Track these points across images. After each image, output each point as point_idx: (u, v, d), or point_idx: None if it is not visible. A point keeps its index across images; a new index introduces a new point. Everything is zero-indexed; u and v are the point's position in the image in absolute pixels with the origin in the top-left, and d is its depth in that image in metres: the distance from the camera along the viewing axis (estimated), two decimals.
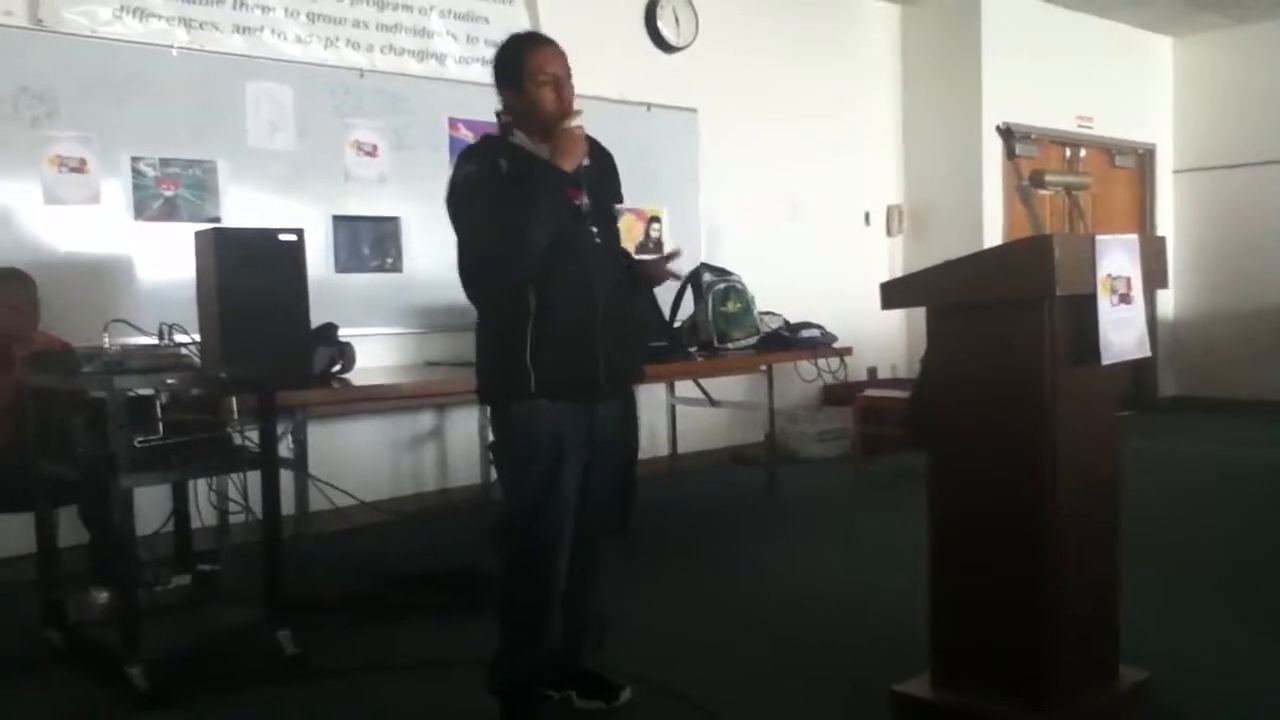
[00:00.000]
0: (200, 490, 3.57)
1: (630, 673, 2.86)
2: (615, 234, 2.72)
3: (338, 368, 4.15)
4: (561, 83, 2.51)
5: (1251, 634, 3.24)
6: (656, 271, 2.81)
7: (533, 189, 2.41)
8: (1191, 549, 4.26)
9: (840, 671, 2.99)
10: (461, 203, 2.49)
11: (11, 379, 3.41)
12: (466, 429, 5.25)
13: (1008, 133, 3.28)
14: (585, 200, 2.54)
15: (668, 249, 2.85)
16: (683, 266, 2.90)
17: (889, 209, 7.50)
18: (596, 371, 2.53)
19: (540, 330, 2.46)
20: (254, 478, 3.18)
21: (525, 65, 2.50)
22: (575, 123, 2.49)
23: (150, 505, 3.39)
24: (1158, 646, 2.91)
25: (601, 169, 2.66)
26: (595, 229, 2.56)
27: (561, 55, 2.55)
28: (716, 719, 2.69)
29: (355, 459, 4.85)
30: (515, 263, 2.41)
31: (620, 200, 2.77)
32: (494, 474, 5.11)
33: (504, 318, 2.50)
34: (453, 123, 5.17)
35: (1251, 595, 3.63)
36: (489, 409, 2.70)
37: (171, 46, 4.47)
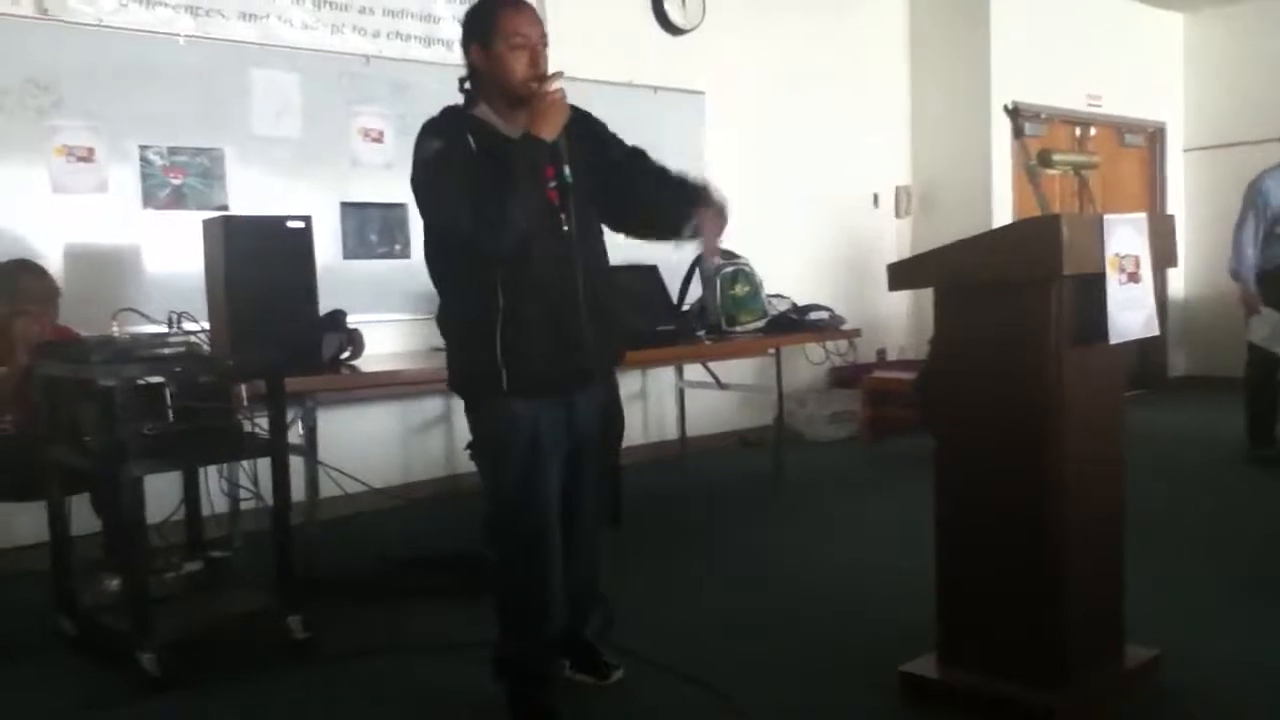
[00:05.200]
0: (211, 477, 3.58)
1: (647, 657, 2.88)
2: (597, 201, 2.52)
3: (346, 354, 4.16)
4: (537, 49, 2.36)
5: (1258, 611, 3.24)
6: (710, 244, 2.61)
7: (514, 165, 2.25)
8: (1198, 527, 4.26)
9: (849, 652, 3.00)
10: (428, 181, 2.34)
11: (20, 366, 3.42)
12: None
13: (1015, 112, 3.27)
14: (567, 172, 2.37)
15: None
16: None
17: (897, 190, 7.47)
18: (571, 364, 2.42)
19: (511, 326, 2.35)
20: (264, 464, 3.20)
21: (499, 23, 2.35)
22: (555, 85, 2.32)
23: (162, 492, 3.41)
24: (1164, 625, 2.92)
25: (587, 132, 2.50)
26: (564, 215, 2.38)
27: (539, 21, 2.40)
28: (728, 699, 2.69)
29: (365, 445, 4.87)
30: (495, 244, 2.27)
31: (619, 147, 2.59)
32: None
33: (472, 310, 2.39)
34: None
35: (1259, 573, 3.63)
36: (463, 403, 2.57)
37: (178, 34, 4.47)
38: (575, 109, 2.43)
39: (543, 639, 2.54)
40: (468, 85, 2.47)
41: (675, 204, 2.54)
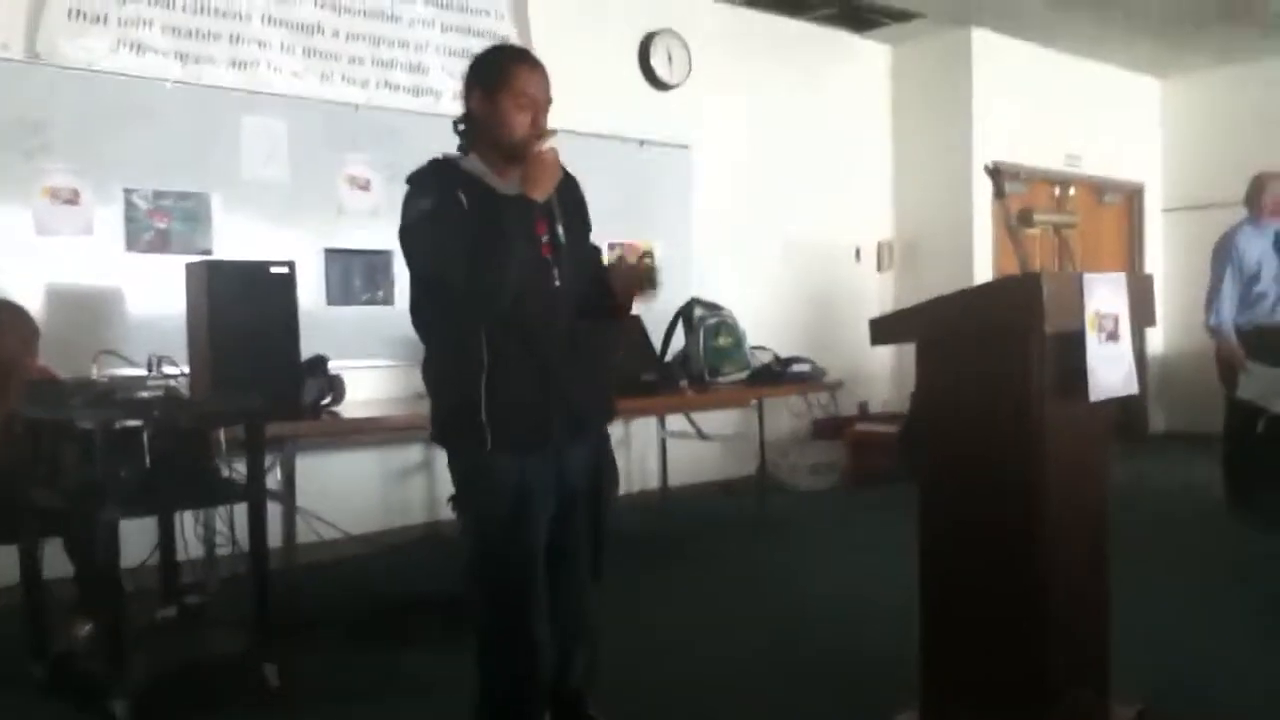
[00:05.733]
0: (187, 521, 3.54)
1: (625, 703, 2.84)
2: (587, 263, 2.52)
3: (328, 400, 4.15)
4: (540, 109, 2.34)
5: (1243, 657, 3.24)
6: (623, 289, 2.50)
7: (504, 225, 2.23)
8: (1183, 580, 4.26)
9: (832, 701, 2.98)
10: (417, 239, 2.31)
11: (4, 410, 3.39)
12: None
13: (996, 172, 3.31)
14: (561, 231, 2.37)
15: (645, 279, 2.57)
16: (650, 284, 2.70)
17: (879, 245, 7.55)
18: (559, 418, 2.37)
19: (496, 382, 2.30)
20: (241, 510, 3.17)
21: (509, 77, 2.32)
22: (548, 144, 2.31)
23: (136, 537, 3.37)
24: (1150, 673, 2.91)
25: (570, 198, 2.49)
26: (557, 270, 2.37)
27: (547, 82, 2.37)
28: None
29: (344, 491, 4.83)
30: (489, 306, 2.25)
31: (589, 229, 2.57)
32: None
33: (457, 362, 2.34)
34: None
35: (1245, 620, 3.64)
36: (446, 455, 2.50)
37: (166, 80, 4.50)
38: (566, 172, 2.42)
39: (523, 693, 2.49)
40: (461, 127, 2.44)
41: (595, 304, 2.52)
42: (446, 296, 2.30)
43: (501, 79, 2.33)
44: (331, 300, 4.92)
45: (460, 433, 2.38)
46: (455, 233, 2.23)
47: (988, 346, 2.44)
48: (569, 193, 2.49)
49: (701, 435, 5.83)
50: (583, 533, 2.56)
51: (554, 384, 2.37)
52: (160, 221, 4.48)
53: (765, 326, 5.79)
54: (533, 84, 2.34)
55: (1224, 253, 5.53)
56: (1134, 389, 2.56)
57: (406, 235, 2.35)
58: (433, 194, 2.30)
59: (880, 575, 4.12)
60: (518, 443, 2.35)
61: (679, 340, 5.33)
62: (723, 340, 5.29)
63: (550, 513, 2.44)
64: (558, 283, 2.38)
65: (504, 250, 2.22)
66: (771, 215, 6.66)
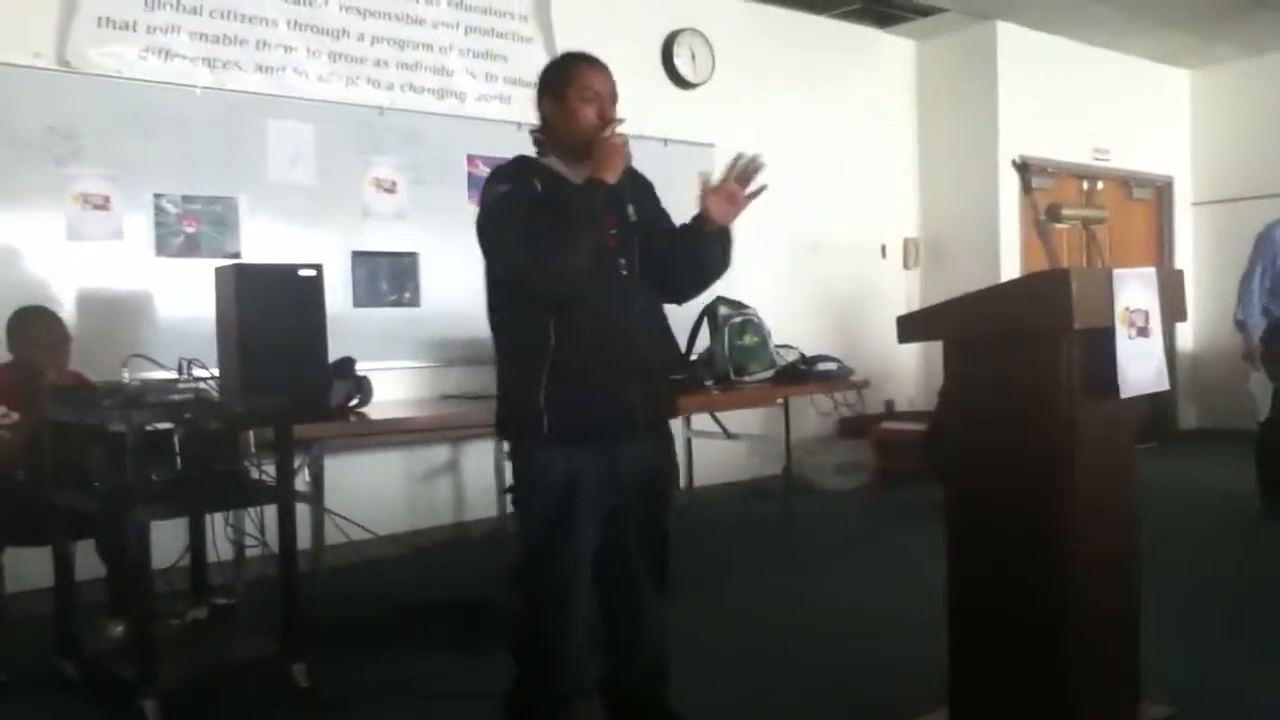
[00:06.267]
0: (216, 523, 3.57)
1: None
2: (664, 247, 2.52)
3: (355, 401, 4.17)
4: (605, 102, 2.42)
5: (1276, 667, 3.19)
6: (721, 202, 2.47)
7: (573, 209, 2.28)
8: (1214, 581, 4.20)
9: (860, 705, 2.96)
10: (493, 224, 2.36)
11: (36, 415, 3.43)
12: (482, 462, 5.26)
13: (1023, 167, 3.29)
14: (630, 211, 2.42)
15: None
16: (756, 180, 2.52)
17: (906, 242, 7.51)
18: (617, 412, 2.37)
19: (557, 369, 2.32)
20: (270, 511, 3.19)
21: (572, 76, 2.43)
22: (614, 131, 2.39)
23: (167, 538, 3.40)
24: (1180, 681, 2.88)
25: (642, 193, 2.55)
26: (623, 260, 2.41)
27: (611, 79, 2.47)
28: None
29: (372, 493, 4.86)
30: (553, 284, 2.28)
31: (666, 214, 2.60)
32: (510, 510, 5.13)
33: (522, 352, 2.38)
34: (471, 159, 5.22)
35: (1274, 629, 3.58)
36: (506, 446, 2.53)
37: (195, 86, 4.54)
38: (638, 173, 2.50)
39: (556, 691, 2.49)
40: (538, 136, 2.51)
41: (685, 239, 2.51)
42: (516, 284, 2.35)
43: (566, 79, 2.44)
44: (359, 302, 4.94)
45: (519, 419, 2.41)
46: (524, 216, 2.29)
47: (1016, 344, 2.42)
48: (640, 188, 2.54)
49: (727, 434, 5.82)
50: (643, 532, 2.52)
51: (615, 379, 2.38)
52: (189, 226, 4.52)
53: (791, 325, 5.77)
54: (596, 79, 2.44)
55: (1260, 245, 5.47)
56: (1165, 385, 2.53)
57: (481, 224, 2.39)
58: (509, 180, 2.37)
59: (907, 579, 4.10)
60: (573, 435, 2.36)
61: (704, 339, 5.31)
62: (748, 339, 5.27)
63: (604, 510, 2.44)
64: (625, 273, 2.41)
65: (568, 231, 2.26)
66: (796, 213, 6.63)
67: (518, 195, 2.33)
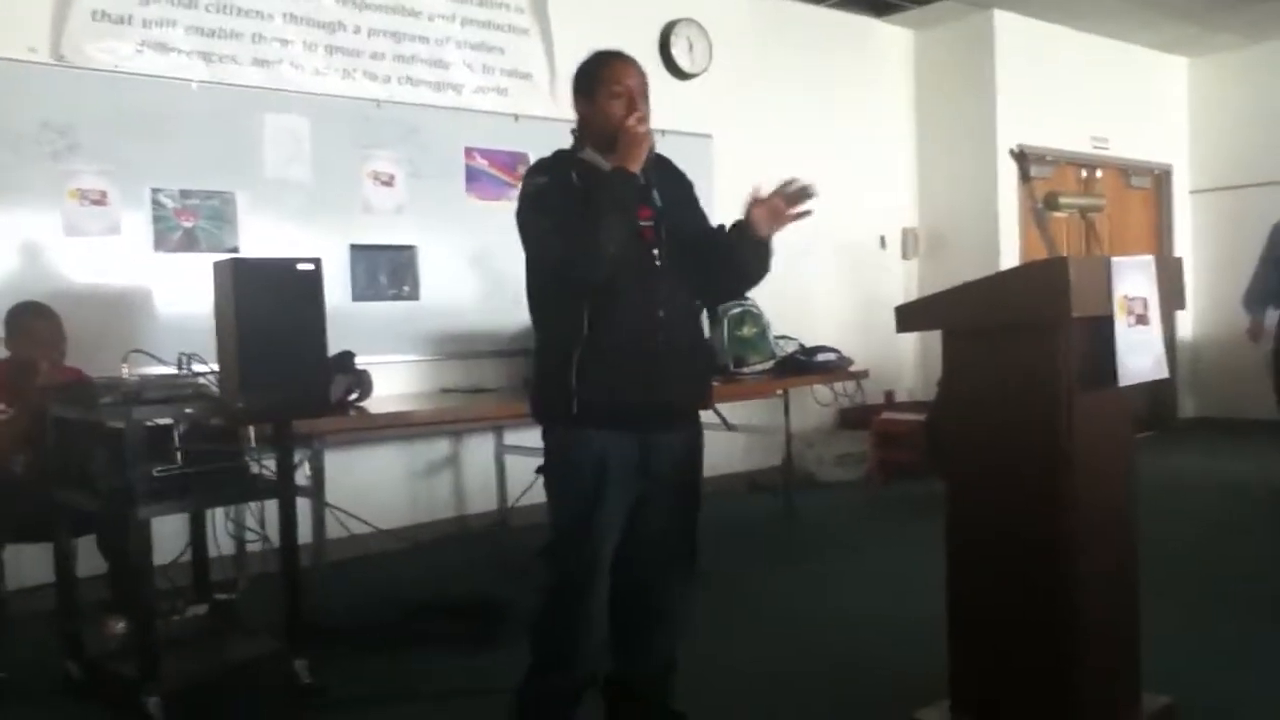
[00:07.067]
0: (217, 519, 3.57)
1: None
2: (701, 245, 2.53)
3: (355, 396, 4.16)
4: (634, 96, 2.45)
5: (1273, 656, 3.20)
6: (767, 214, 2.49)
7: (600, 195, 2.33)
8: (1213, 572, 4.21)
9: (859, 698, 2.97)
10: (530, 213, 2.43)
11: (31, 410, 3.43)
12: (482, 456, 5.26)
13: (1021, 156, 3.29)
14: (656, 197, 2.45)
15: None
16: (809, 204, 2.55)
17: (904, 232, 7.50)
18: (647, 399, 2.40)
19: (588, 353, 2.36)
20: (271, 506, 3.19)
21: (601, 74, 2.47)
22: (635, 119, 2.40)
23: (168, 534, 3.40)
24: (1180, 671, 2.88)
25: (677, 186, 2.58)
26: (657, 251, 2.44)
27: (641, 73, 2.51)
28: None
29: (372, 487, 4.86)
30: (585, 270, 2.32)
31: (701, 215, 2.62)
32: (513, 500, 5.14)
33: (557, 338, 2.42)
34: (469, 152, 5.21)
35: (1276, 620, 3.58)
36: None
37: (191, 80, 4.53)
38: (672, 165, 2.57)
39: (568, 680, 2.49)
40: (575, 133, 2.55)
41: (726, 252, 2.53)
42: (551, 271, 2.40)
43: (595, 77, 2.48)
44: (358, 296, 4.94)
45: (550, 402, 2.44)
46: (560, 206, 2.35)
47: (1015, 333, 2.42)
48: (673, 179, 2.58)
49: (727, 426, 5.82)
50: (671, 522, 2.53)
51: (647, 366, 2.40)
52: (187, 221, 4.52)
53: (790, 316, 5.76)
54: (624, 75, 2.47)
55: (1271, 236, 5.57)
56: (1164, 373, 2.53)
57: (520, 214, 2.46)
58: (548, 172, 2.45)
59: (907, 571, 4.11)
60: (604, 417, 2.38)
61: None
62: (747, 330, 5.27)
63: (631, 497, 2.45)
64: (658, 263, 2.44)
65: (596, 218, 2.30)
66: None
67: (553, 186, 2.40)
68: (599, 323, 2.37)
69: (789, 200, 2.51)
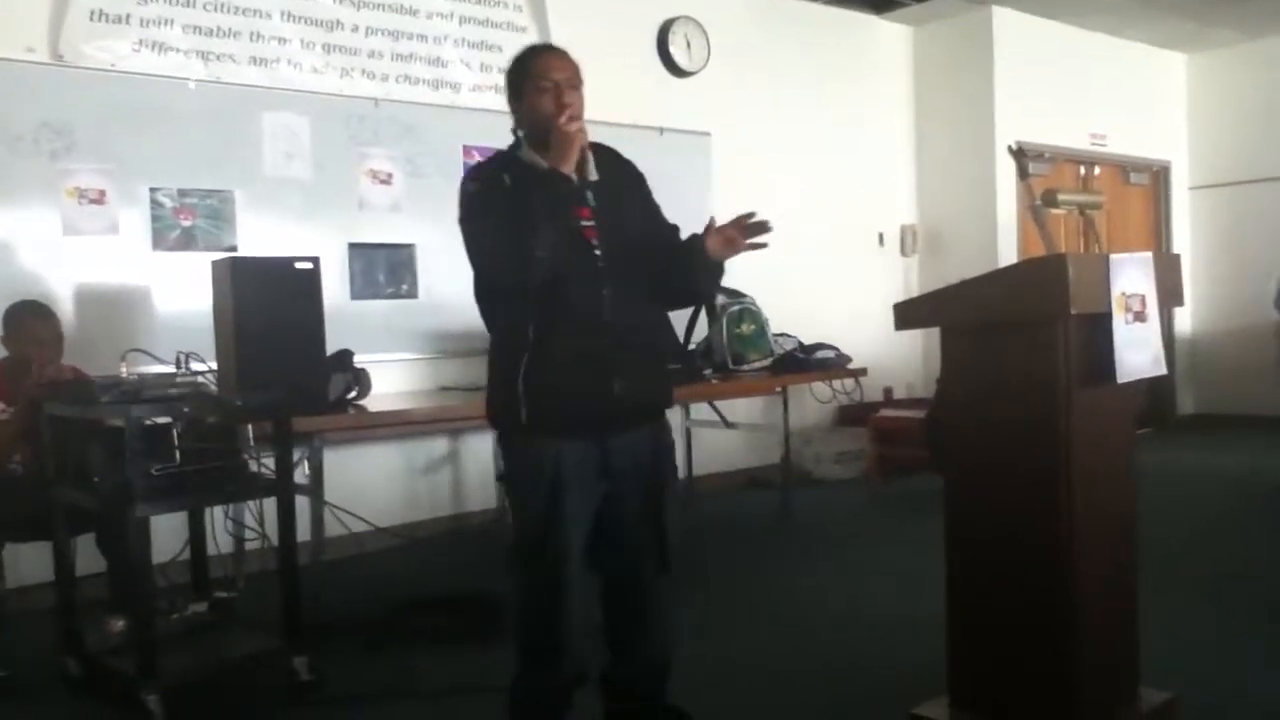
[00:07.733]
0: (216, 517, 3.57)
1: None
2: (654, 240, 2.50)
3: (353, 394, 4.16)
4: (563, 89, 2.38)
5: (1276, 654, 3.20)
6: (721, 242, 2.45)
7: (531, 197, 2.28)
8: (1213, 568, 4.22)
9: (858, 695, 2.97)
10: (464, 221, 2.40)
11: (28, 409, 3.43)
12: (481, 454, 5.26)
13: (1020, 153, 3.29)
14: (590, 197, 2.38)
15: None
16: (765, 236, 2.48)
17: (903, 229, 7.50)
18: (597, 403, 2.36)
19: (535, 359, 2.33)
20: (270, 504, 3.19)
21: (529, 71, 2.42)
22: (567, 118, 2.33)
23: (167, 532, 3.40)
24: (1179, 667, 2.88)
25: (622, 182, 2.51)
26: (599, 252, 2.38)
27: (569, 64, 2.43)
28: None
29: (371, 485, 4.87)
30: (515, 276, 2.29)
31: (652, 208, 2.57)
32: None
33: (504, 343, 2.40)
34: (467, 150, 5.20)
35: (1273, 615, 3.59)
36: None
37: (189, 79, 4.53)
38: (616, 155, 2.52)
39: (555, 679, 2.49)
40: (514, 132, 2.51)
41: (679, 267, 2.50)
42: (487, 279, 2.39)
43: (523, 73, 2.44)
44: (356, 294, 4.94)
45: (502, 411, 2.41)
46: (492, 212, 2.33)
47: (1013, 330, 2.42)
48: (620, 174, 2.52)
49: (726, 423, 5.82)
50: (641, 524, 2.50)
51: (597, 368, 2.36)
52: (185, 220, 4.52)
53: (788, 313, 5.76)
54: (551, 68, 2.41)
55: None
56: (1162, 370, 2.53)
57: (460, 224, 2.43)
58: (478, 180, 2.43)
59: (906, 568, 4.12)
60: (555, 427, 2.36)
61: (702, 328, 5.32)
62: (746, 328, 5.27)
63: (596, 500, 2.43)
64: (601, 264, 2.39)
65: (528, 221, 2.26)
66: (793, 201, 6.61)
67: (485, 192, 2.37)
68: (545, 328, 2.33)
69: (745, 232, 2.46)
